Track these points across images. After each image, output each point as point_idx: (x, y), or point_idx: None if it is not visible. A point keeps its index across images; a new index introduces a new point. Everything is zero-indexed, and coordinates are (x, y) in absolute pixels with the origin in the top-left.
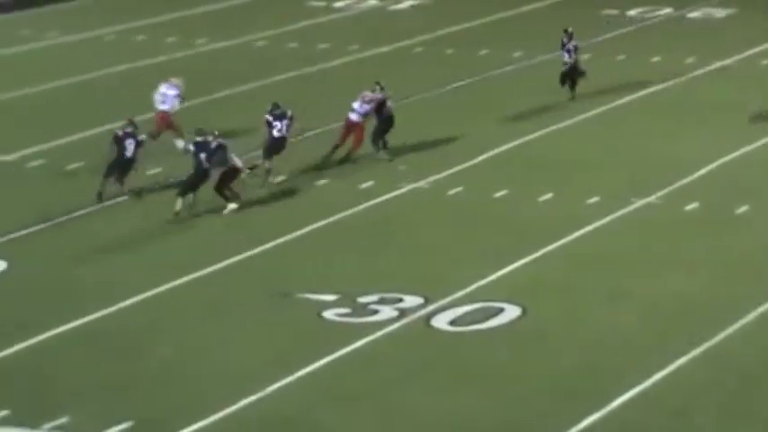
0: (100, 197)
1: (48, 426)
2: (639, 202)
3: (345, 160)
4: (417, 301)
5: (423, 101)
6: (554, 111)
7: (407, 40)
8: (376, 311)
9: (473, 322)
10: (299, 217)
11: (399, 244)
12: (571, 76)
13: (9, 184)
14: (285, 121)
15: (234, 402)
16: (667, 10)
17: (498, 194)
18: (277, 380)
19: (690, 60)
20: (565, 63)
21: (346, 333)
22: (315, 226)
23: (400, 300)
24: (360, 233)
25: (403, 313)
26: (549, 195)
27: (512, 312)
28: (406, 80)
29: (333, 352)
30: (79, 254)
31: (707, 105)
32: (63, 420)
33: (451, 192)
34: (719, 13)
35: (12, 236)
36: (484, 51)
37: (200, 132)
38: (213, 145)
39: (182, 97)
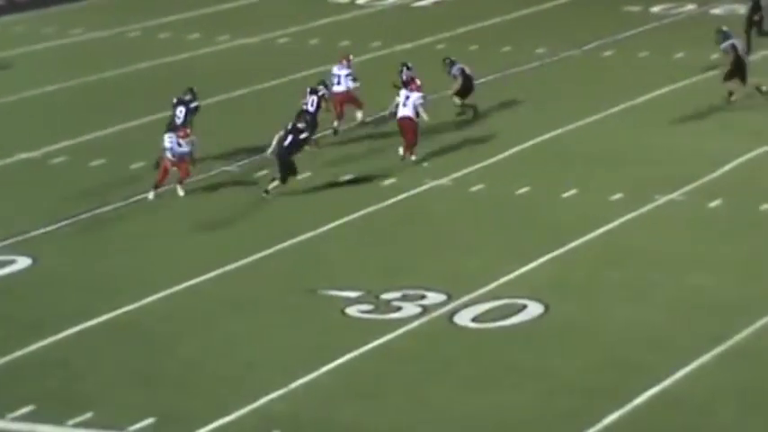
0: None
1: (72, 421)
2: (663, 199)
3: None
4: (440, 297)
5: (445, 98)
6: (576, 107)
7: (430, 37)
8: (399, 308)
9: (496, 319)
10: (323, 213)
11: (422, 241)
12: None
13: (33, 181)
14: (314, 98)
15: (257, 399)
16: (690, 6)
17: (521, 191)
18: (301, 376)
19: (714, 56)
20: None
21: (369, 329)
22: (338, 222)
23: (423, 296)
24: (383, 230)
25: (426, 310)
26: (573, 192)
27: (534, 309)
28: (429, 77)
29: (356, 348)
30: (103, 250)
31: (731, 102)
32: (88, 416)
33: (474, 188)
34: (743, 8)
35: (36, 232)
36: (507, 48)
37: (299, 117)
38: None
39: (353, 76)
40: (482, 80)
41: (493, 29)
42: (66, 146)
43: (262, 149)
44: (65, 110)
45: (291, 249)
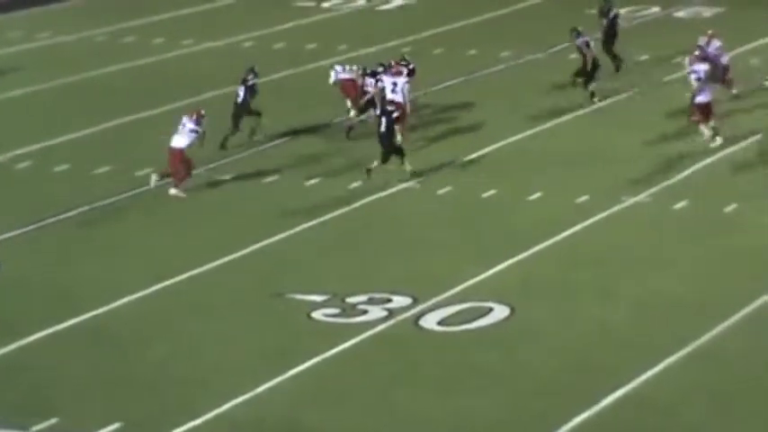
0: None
1: (37, 427)
2: (629, 201)
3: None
4: (406, 301)
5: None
6: (542, 110)
7: (396, 41)
8: (365, 312)
9: (462, 322)
10: (289, 217)
11: (388, 244)
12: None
13: None
14: (372, 80)
15: (224, 403)
16: (654, 9)
17: (487, 194)
18: (267, 380)
19: (678, 59)
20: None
21: (335, 333)
22: (304, 226)
23: (389, 300)
24: (349, 233)
25: (392, 313)
26: (539, 194)
27: (501, 312)
28: None
29: (322, 352)
30: (69, 255)
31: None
32: (53, 421)
33: (441, 191)
34: (707, 12)
35: (1, 237)
36: (472, 51)
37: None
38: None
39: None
40: (447, 83)
41: (458, 32)
42: (32, 150)
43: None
44: (30, 114)
45: (258, 253)
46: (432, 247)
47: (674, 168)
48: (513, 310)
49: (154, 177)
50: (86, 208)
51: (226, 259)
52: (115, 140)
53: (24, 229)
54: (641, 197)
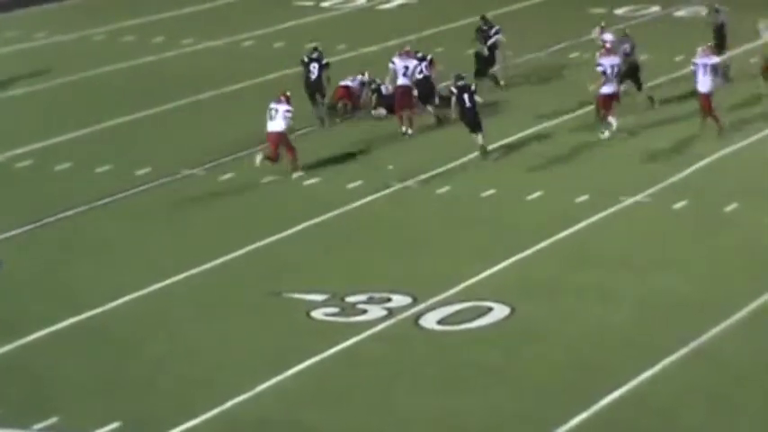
0: (322, 122)
1: (37, 426)
2: (628, 201)
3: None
4: (406, 300)
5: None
6: (542, 109)
7: (396, 40)
8: (364, 311)
9: (462, 321)
10: (288, 216)
11: (388, 243)
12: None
13: None
14: (424, 63)
15: (223, 402)
16: (655, 8)
17: (486, 193)
18: (266, 380)
19: (678, 59)
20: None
21: (335, 333)
22: (303, 225)
23: (389, 299)
24: (348, 233)
25: (391, 313)
26: (538, 194)
27: (500, 311)
28: None
29: (321, 352)
30: (69, 254)
31: (695, 103)
32: (53, 420)
33: (440, 191)
34: (705, 11)
35: (1, 236)
36: (472, 50)
37: (459, 77)
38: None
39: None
40: (447, 83)
41: (459, 31)
42: (32, 149)
43: (227, 152)
44: (29, 113)
45: (257, 252)
46: (431, 246)
47: (673, 168)
48: (512, 309)
49: (259, 157)
50: (86, 207)
51: (225, 259)
52: (115, 140)
53: (24, 228)
54: (641, 197)
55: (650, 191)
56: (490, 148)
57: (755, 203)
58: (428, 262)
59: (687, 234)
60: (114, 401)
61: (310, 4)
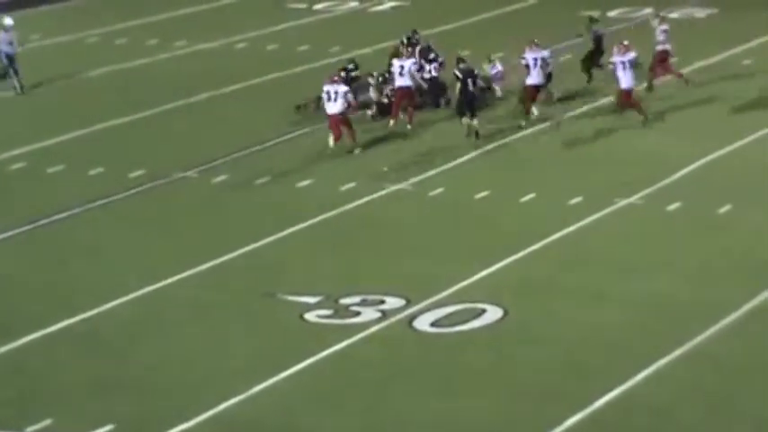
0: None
1: (31, 428)
2: (622, 203)
3: None
4: (399, 302)
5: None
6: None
7: (388, 42)
8: (358, 313)
9: (455, 324)
10: (282, 218)
11: (381, 245)
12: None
13: None
14: (434, 65)
15: (216, 404)
16: (647, 10)
17: (480, 195)
18: (259, 382)
19: (671, 61)
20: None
21: (328, 335)
22: (297, 227)
23: (382, 301)
24: (342, 234)
25: (385, 315)
26: (532, 196)
27: (494, 313)
28: None
29: (315, 354)
30: (63, 256)
31: (688, 105)
32: (46, 423)
33: (433, 193)
34: (700, 13)
35: None
36: (465, 52)
37: (461, 60)
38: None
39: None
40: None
41: (452, 33)
42: (26, 151)
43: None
44: (23, 115)
45: (250, 254)
46: (425, 248)
47: (667, 170)
48: (506, 311)
49: (331, 139)
50: (80, 209)
51: (218, 261)
52: (108, 142)
53: (18, 230)
54: (634, 199)
55: (644, 193)
56: (483, 150)
57: (749, 205)
58: (421, 264)
59: (681, 236)
60: (108, 404)
61: (303, 6)
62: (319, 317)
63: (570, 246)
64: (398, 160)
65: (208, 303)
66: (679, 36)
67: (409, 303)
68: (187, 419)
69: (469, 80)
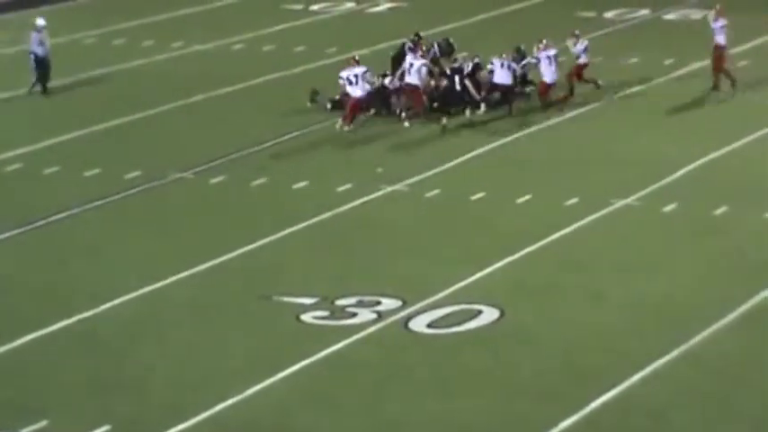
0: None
1: (27, 429)
2: (618, 204)
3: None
4: (396, 303)
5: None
6: (532, 112)
7: (385, 43)
8: (354, 314)
9: (451, 325)
10: (278, 219)
11: (377, 247)
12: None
13: None
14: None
15: (213, 406)
16: (644, 11)
17: (476, 196)
18: (256, 383)
19: (668, 62)
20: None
21: (325, 336)
22: (293, 229)
23: (378, 302)
24: (338, 236)
25: (381, 316)
26: (528, 197)
27: (490, 315)
28: None
29: (311, 355)
30: (59, 257)
31: (685, 107)
32: (43, 424)
33: (429, 194)
34: (696, 14)
35: None
36: (463, 53)
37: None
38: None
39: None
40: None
41: (449, 34)
42: (21, 153)
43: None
44: (20, 117)
45: (246, 255)
46: (421, 249)
47: (663, 171)
48: (502, 312)
49: (339, 123)
50: (76, 210)
51: (215, 262)
52: (105, 143)
53: (14, 232)
54: (630, 200)
55: (640, 194)
56: (479, 151)
57: (745, 206)
58: (418, 265)
59: (677, 237)
60: (104, 404)
61: (300, 7)
62: (316, 318)
63: (566, 247)
64: (394, 161)
65: (205, 304)
66: (674, 37)
67: (405, 304)
68: (184, 420)
69: (456, 77)
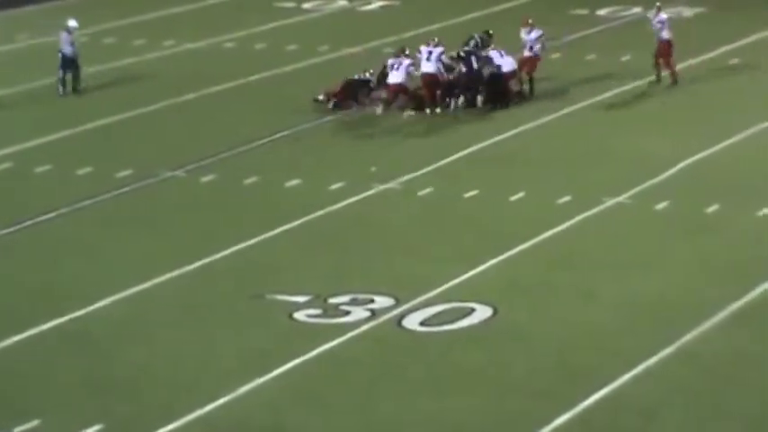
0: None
1: (19, 429)
2: (610, 202)
3: None
4: (389, 301)
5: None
6: (524, 110)
7: (377, 41)
8: (347, 312)
9: (444, 323)
10: (270, 218)
11: (370, 245)
12: None
13: None
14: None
15: (205, 404)
16: (636, 9)
17: (469, 194)
18: (249, 382)
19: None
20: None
21: (318, 334)
22: (286, 227)
23: (371, 300)
24: (331, 234)
25: (374, 314)
26: (521, 195)
27: (483, 312)
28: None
29: (304, 353)
30: (50, 256)
31: (677, 104)
32: (34, 423)
33: (422, 192)
34: (688, 12)
35: None
36: (454, 52)
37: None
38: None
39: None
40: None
41: (440, 32)
42: (12, 152)
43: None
44: (10, 115)
45: (239, 254)
46: (414, 247)
47: (655, 169)
48: (495, 310)
49: (406, 112)
50: (68, 209)
51: (207, 260)
52: (96, 141)
53: (5, 231)
54: (623, 198)
55: (632, 192)
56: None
57: (737, 204)
58: (411, 263)
59: (669, 235)
60: (96, 404)
61: (292, 5)
62: (309, 316)
63: (559, 245)
64: (387, 159)
65: (197, 303)
66: None
67: (398, 302)
68: (176, 419)
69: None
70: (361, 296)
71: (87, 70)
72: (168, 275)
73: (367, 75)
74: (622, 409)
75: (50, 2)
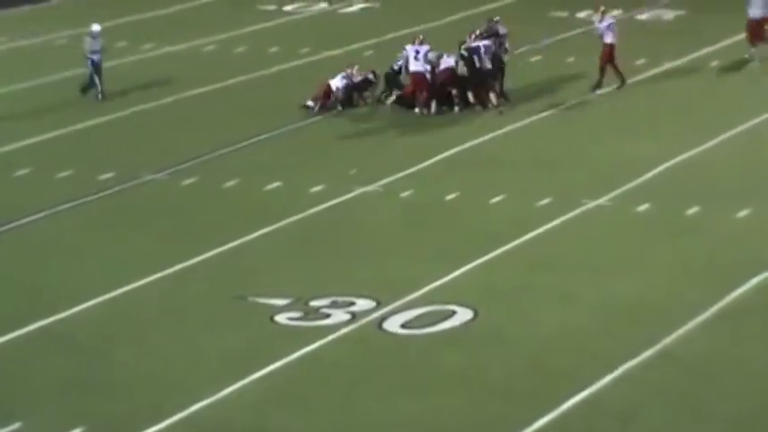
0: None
1: (1, 431)
2: (591, 204)
3: None
4: (369, 304)
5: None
6: (505, 112)
7: (358, 43)
8: (328, 315)
9: (425, 325)
10: (252, 220)
11: (351, 247)
12: None
13: None
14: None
15: (188, 406)
16: (616, 12)
17: (450, 197)
18: (230, 384)
19: (640, 62)
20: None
21: (299, 337)
22: (267, 229)
23: (352, 303)
24: (312, 237)
25: (355, 316)
26: (501, 197)
27: (463, 315)
28: None
29: (286, 356)
30: (32, 259)
31: (657, 107)
32: (15, 426)
33: (403, 194)
34: (668, 14)
35: None
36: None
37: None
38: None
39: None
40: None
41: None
42: None
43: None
44: None
45: (220, 257)
46: (394, 249)
47: (635, 171)
48: (475, 312)
49: (390, 100)
50: (49, 212)
51: (188, 263)
52: (77, 144)
53: None
54: (603, 200)
55: (612, 194)
56: (452, 151)
57: (717, 207)
58: (392, 266)
59: (649, 237)
60: (79, 405)
61: (273, 8)
62: (290, 319)
63: (539, 247)
64: (368, 162)
65: (179, 305)
66: (647, 37)
67: (379, 305)
68: (158, 421)
69: (475, 57)
70: (341, 299)
71: (66, 74)
72: (151, 278)
73: (369, 75)
74: (601, 412)
75: (31, 5)
